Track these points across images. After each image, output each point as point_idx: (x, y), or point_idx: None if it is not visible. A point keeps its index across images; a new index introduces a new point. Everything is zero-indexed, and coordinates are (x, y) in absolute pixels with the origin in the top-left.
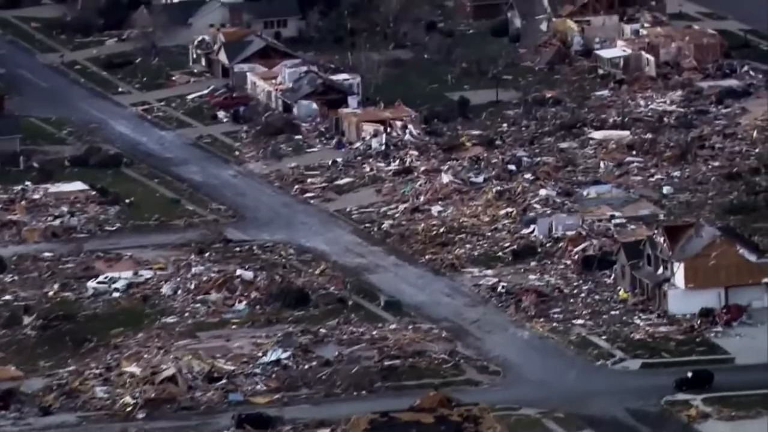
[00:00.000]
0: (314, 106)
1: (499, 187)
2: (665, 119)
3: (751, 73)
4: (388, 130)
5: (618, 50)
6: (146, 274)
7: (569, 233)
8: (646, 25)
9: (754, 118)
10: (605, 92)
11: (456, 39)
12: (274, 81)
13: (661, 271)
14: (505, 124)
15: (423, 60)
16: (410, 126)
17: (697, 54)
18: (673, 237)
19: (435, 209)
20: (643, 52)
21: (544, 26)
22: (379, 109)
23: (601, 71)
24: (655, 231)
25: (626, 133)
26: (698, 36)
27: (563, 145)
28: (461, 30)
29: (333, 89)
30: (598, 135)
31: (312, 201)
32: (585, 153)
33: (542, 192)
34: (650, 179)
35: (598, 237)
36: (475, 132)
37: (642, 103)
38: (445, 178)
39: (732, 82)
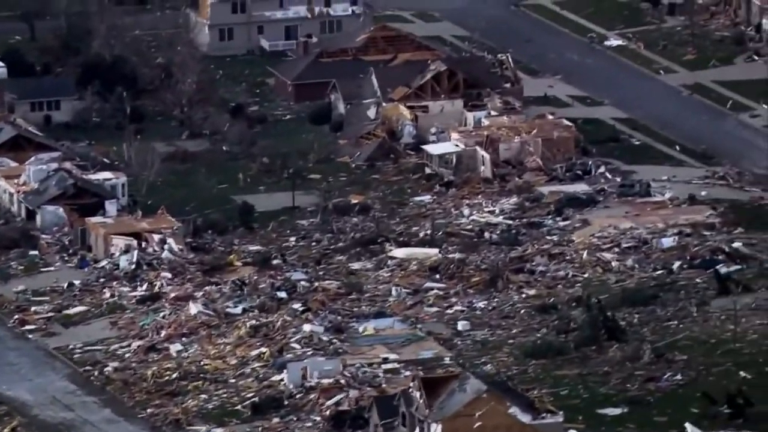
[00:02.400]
0: (61, 212)
1: (255, 321)
2: (486, 234)
3: (608, 175)
4: (143, 245)
5: (450, 145)
6: None
7: (326, 381)
8: (492, 113)
9: (590, 234)
10: (426, 198)
11: (266, 126)
12: (17, 181)
13: None
14: (293, 238)
15: (220, 152)
16: (171, 240)
17: (545, 151)
18: (432, 390)
19: (174, 348)
20: (478, 148)
21: (371, 112)
22: (135, 218)
23: (428, 170)
24: (412, 383)
25: (434, 251)
26: (549, 129)
27: (356, 265)
28: (277, 115)
29: (88, 192)
30: (400, 253)
31: (31, 335)
32: (379, 276)
33: (306, 327)
34: (448, 311)
35: (361, 387)
36: (255, 247)
37: (466, 212)
38: (194, 308)
39: (580, 187)
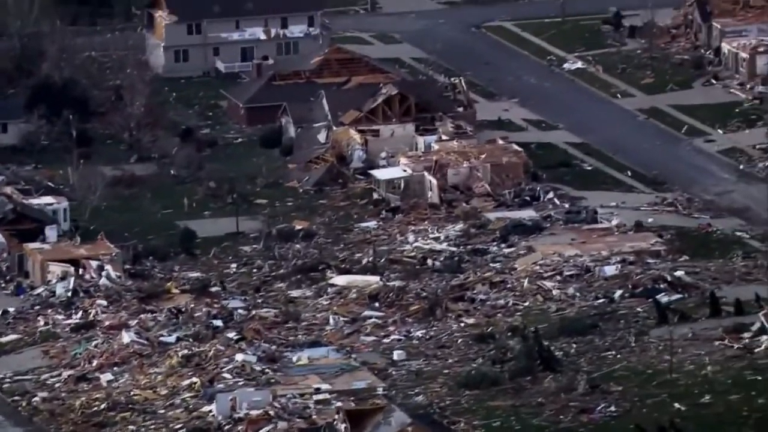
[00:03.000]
0: (0, 238)
1: (187, 351)
2: (429, 261)
3: (556, 201)
4: (81, 271)
5: (398, 170)
6: None
7: (255, 412)
8: (443, 137)
9: (533, 262)
10: (372, 223)
11: (217, 150)
12: None
13: None
14: (235, 264)
15: (167, 176)
16: (108, 267)
17: (494, 176)
18: (357, 423)
19: (105, 377)
20: (426, 174)
21: (322, 136)
22: (74, 244)
23: (376, 196)
24: (337, 415)
25: (375, 279)
26: (498, 154)
27: (295, 293)
28: (228, 138)
29: (28, 217)
30: (340, 281)
31: None
32: (318, 304)
33: (239, 357)
34: (384, 340)
35: (291, 418)
36: (195, 274)
37: (411, 238)
38: (126, 337)
39: (528, 213)
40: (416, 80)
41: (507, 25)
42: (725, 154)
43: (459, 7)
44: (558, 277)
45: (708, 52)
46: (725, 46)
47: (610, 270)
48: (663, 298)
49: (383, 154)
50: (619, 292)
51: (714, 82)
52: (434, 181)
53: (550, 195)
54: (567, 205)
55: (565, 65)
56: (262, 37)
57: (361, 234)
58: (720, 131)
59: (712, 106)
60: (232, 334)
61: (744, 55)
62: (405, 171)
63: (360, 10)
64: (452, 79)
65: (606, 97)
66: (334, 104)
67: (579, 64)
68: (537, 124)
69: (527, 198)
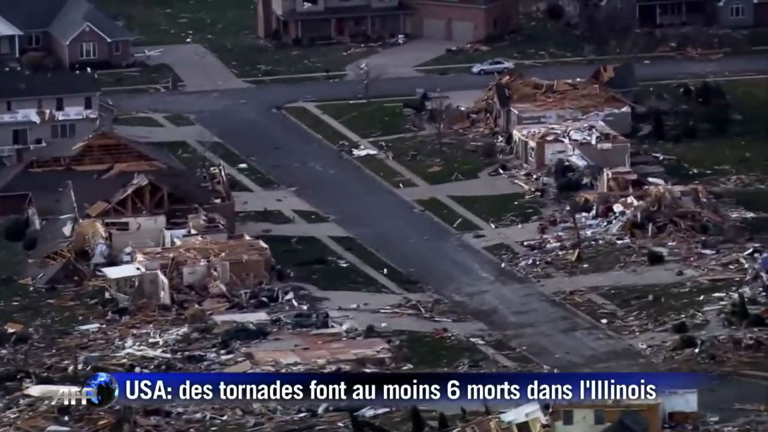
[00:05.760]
0: None
1: None
2: (137, 369)
3: (294, 302)
4: None
5: (132, 268)
6: None
7: None
8: (193, 231)
9: (242, 371)
10: (93, 326)
11: None
12: None
13: None
14: None
15: None
16: None
17: (232, 275)
18: None
19: None
20: (159, 272)
21: (68, 229)
22: None
23: (107, 295)
24: None
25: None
26: (240, 251)
27: None
28: None
29: None
30: (35, 391)
31: None
32: (4, 418)
33: None
34: None
35: None
36: None
37: (129, 343)
38: None
39: (258, 316)
40: (174, 169)
41: (309, 107)
42: (491, 251)
43: (266, 86)
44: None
45: (499, 140)
46: (516, 134)
47: None
48: (368, 411)
49: (128, 249)
50: (323, 406)
51: (501, 171)
52: (166, 281)
53: (289, 296)
54: (305, 307)
55: (355, 151)
56: (36, 119)
57: (79, 338)
58: (492, 226)
59: (492, 197)
60: None
61: (532, 143)
62: (138, 269)
63: (161, 88)
64: (212, 168)
65: (388, 186)
66: (83, 195)
67: (370, 151)
68: (307, 215)
69: (264, 299)
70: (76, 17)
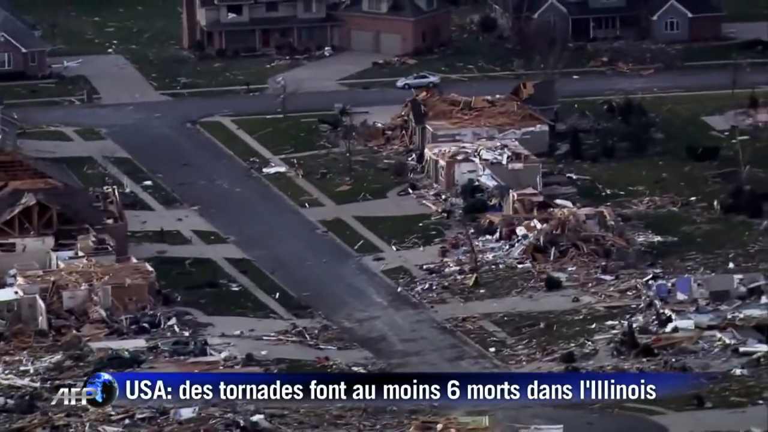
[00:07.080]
0: None
1: None
2: (2, 399)
3: (176, 328)
4: None
5: (10, 292)
6: None
7: None
8: (80, 253)
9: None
10: None
11: None
12: None
13: None
14: None
15: None
16: None
17: (114, 300)
18: None
19: None
20: (38, 296)
21: None
22: None
23: None
24: None
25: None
26: (123, 274)
27: None
28: None
29: None
30: None
31: None
32: None
33: None
34: None
35: None
36: None
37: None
38: None
39: (136, 343)
40: (67, 188)
41: (225, 121)
42: (389, 275)
43: (183, 99)
44: (127, 420)
45: (411, 159)
46: (427, 152)
47: (187, 413)
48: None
49: (12, 272)
50: None
51: (411, 191)
52: (43, 305)
53: (172, 321)
54: (186, 333)
55: (265, 169)
56: None
57: None
58: (394, 248)
59: (397, 218)
60: None
61: (442, 162)
62: (16, 293)
63: (76, 101)
64: (105, 188)
65: (294, 206)
66: None
67: (280, 168)
68: (206, 236)
69: (145, 325)
70: None
